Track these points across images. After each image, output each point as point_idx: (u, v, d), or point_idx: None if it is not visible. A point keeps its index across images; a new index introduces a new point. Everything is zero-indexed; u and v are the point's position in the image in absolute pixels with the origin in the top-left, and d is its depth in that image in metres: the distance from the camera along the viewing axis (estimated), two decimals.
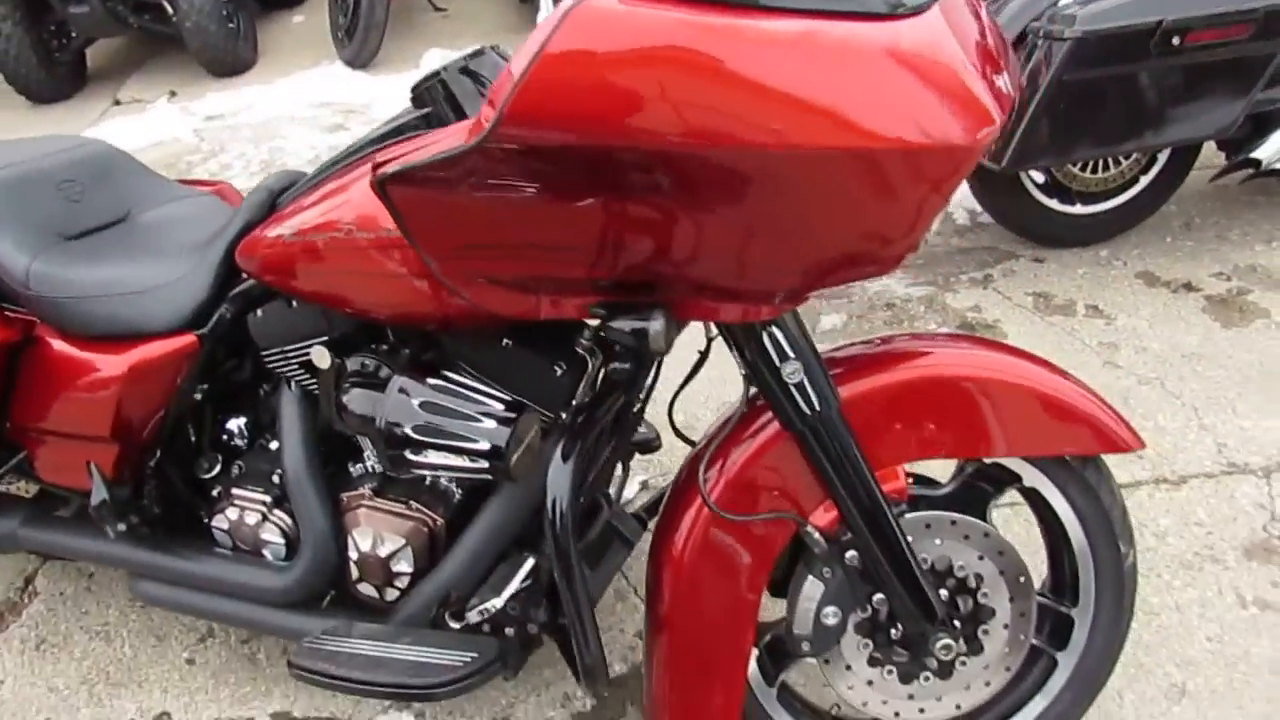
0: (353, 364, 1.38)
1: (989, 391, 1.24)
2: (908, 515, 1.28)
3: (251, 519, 1.57)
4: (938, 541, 1.29)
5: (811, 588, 1.27)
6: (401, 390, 1.25)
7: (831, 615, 1.26)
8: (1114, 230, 2.79)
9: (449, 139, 0.95)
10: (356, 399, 1.31)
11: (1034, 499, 1.35)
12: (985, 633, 1.31)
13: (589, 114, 0.85)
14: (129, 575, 1.70)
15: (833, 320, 2.63)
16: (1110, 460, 2.00)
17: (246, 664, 1.80)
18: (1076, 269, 2.73)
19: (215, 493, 1.63)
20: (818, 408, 1.16)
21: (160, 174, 1.89)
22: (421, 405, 1.24)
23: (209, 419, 1.66)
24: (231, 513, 1.59)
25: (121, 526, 1.58)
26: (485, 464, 1.23)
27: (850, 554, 1.24)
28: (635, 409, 1.54)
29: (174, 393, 1.56)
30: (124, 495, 1.58)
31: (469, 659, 1.30)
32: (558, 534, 1.11)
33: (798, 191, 0.93)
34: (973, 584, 1.30)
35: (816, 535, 1.24)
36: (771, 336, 1.15)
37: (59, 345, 1.59)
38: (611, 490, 1.71)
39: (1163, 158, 2.67)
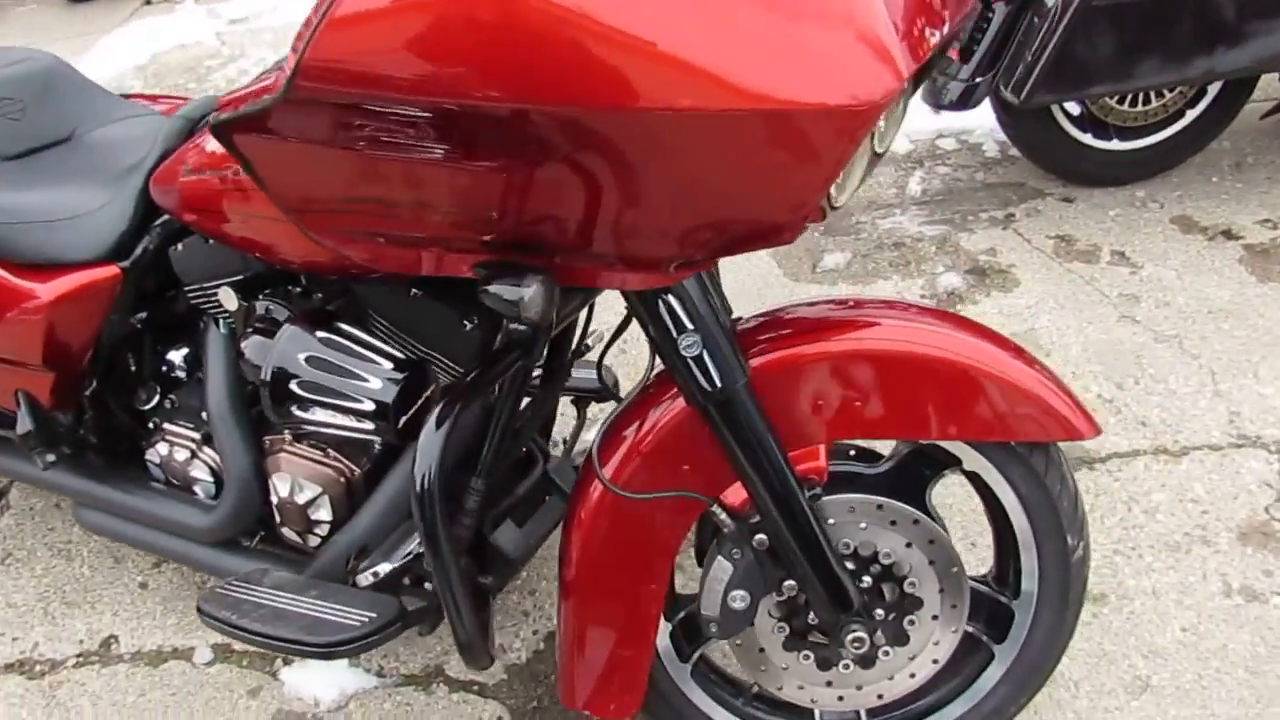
0: (259, 308, 1.31)
1: (922, 369, 1.12)
2: (829, 497, 1.18)
3: (181, 455, 1.54)
4: (862, 526, 1.19)
5: (720, 569, 1.19)
6: (289, 341, 1.18)
7: (739, 599, 1.18)
8: (1154, 169, 2.56)
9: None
10: (252, 346, 1.25)
11: (978, 482, 1.24)
12: (911, 623, 1.22)
13: (405, 66, 0.75)
14: (73, 503, 1.69)
15: (835, 259, 2.48)
16: (1110, 425, 1.89)
17: (196, 592, 1.81)
18: (1108, 210, 2.52)
19: (150, 425, 1.61)
20: (719, 384, 1.05)
21: (108, 90, 1.82)
22: (308, 359, 1.17)
23: (149, 350, 1.63)
24: (163, 447, 1.56)
25: (51, 457, 1.56)
26: (370, 425, 1.16)
27: (759, 537, 1.16)
28: (568, 358, 1.46)
29: (103, 324, 1.52)
30: (54, 425, 1.56)
31: (365, 619, 1.26)
32: (424, 509, 1.04)
33: (663, 155, 0.82)
34: (899, 572, 1.20)
35: (723, 515, 1.16)
36: (668, 306, 1.04)
37: None
38: (563, 438, 1.64)
39: (1213, 90, 2.42)
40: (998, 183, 2.71)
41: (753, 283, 2.44)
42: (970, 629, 1.29)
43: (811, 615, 1.21)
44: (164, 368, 1.62)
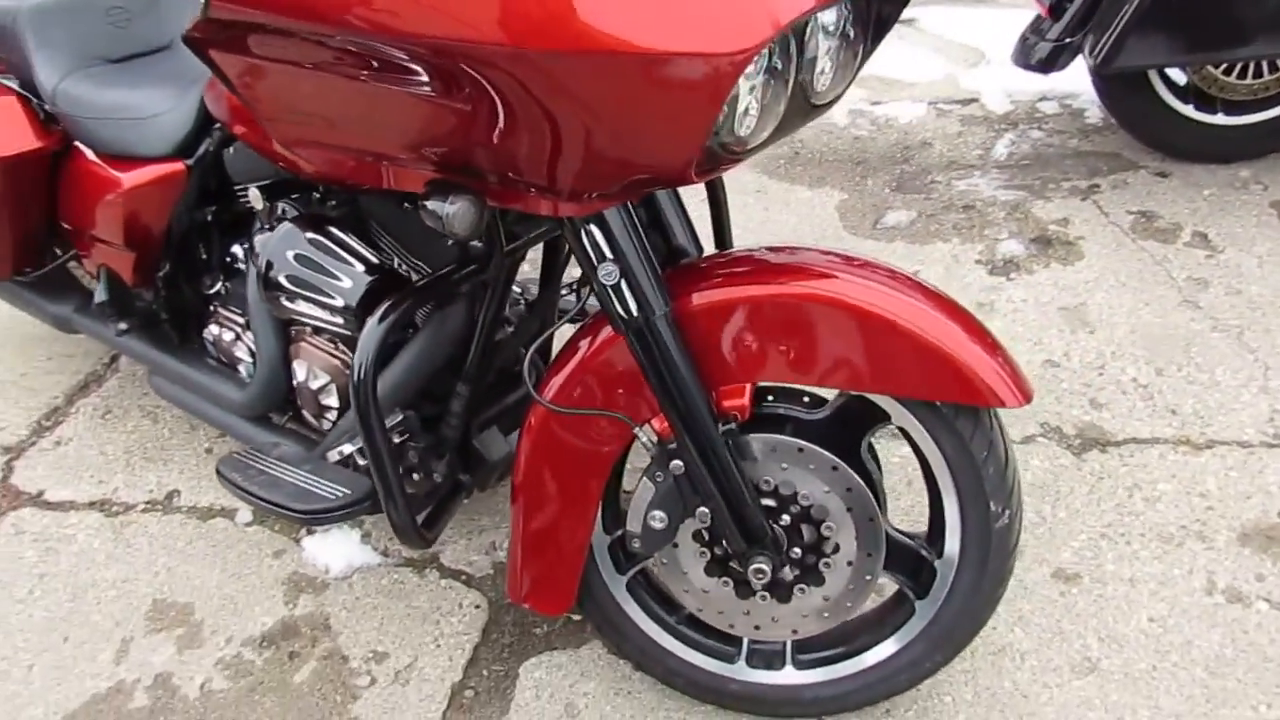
0: (278, 208, 1.47)
1: (846, 320, 1.15)
2: (754, 435, 1.24)
3: (228, 336, 1.74)
4: (783, 466, 1.24)
5: (645, 489, 1.27)
6: (282, 238, 1.33)
7: (658, 520, 1.26)
8: (1264, 147, 2.38)
9: None
10: (260, 240, 1.40)
11: (911, 439, 1.26)
12: (827, 565, 1.27)
13: None
14: (148, 371, 1.93)
15: (898, 217, 2.45)
16: (1137, 410, 1.83)
17: None
18: (1202, 189, 2.37)
19: (211, 308, 1.81)
20: (635, 313, 1.13)
21: None
22: (295, 256, 1.32)
23: (216, 241, 1.82)
24: (215, 328, 1.76)
25: (122, 325, 1.79)
26: (340, 320, 1.30)
27: (676, 462, 1.23)
28: (557, 279, 1.56)
29: (173, 213, 1.71)
30: (126, 298, 1.79)
31: (340, 494, 1.41)
32: (359, 397, 1.17)
33: (547, 92, 0.89)
34: (817, 515, 1.25)
35: (645, 439, 1.23)
36: (590, 235, 1.11)
37: (84, 159, 1.78)
38: None
39: None
40: (1091, 151, 2.58)
41: (810, 232, 2.44)
42: (896, 580, 1.33)
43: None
44: (227, 258, 1.81)
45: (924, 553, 1.30)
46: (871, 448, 1.33)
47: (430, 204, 1.08)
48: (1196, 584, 1.55)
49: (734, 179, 2.70)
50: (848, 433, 1.28)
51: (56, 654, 1.71)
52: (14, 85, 1.85)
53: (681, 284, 1.20)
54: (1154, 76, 2.28)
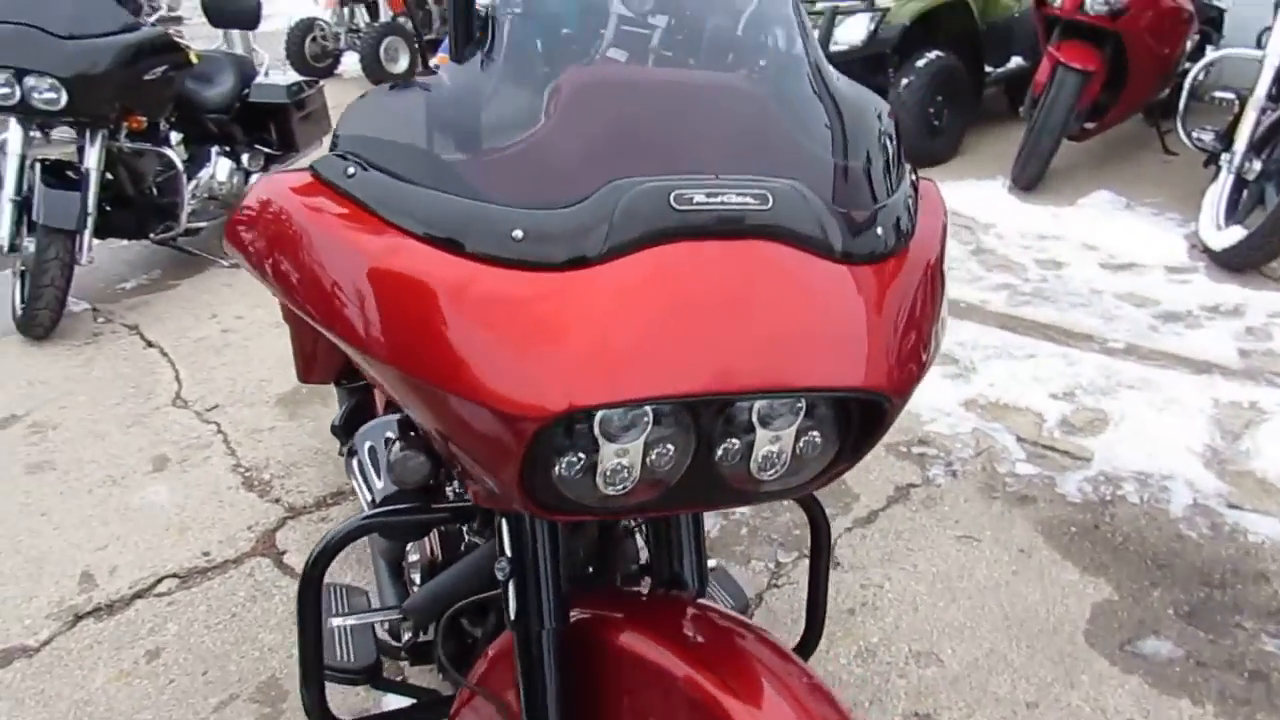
0: None
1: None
2: None
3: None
4: None
5: None
6: (376, 426, 1.56)
7: None
8: None
9: None
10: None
11: None
12: None
13: (267, 264, 1.05)
14: None
15: (1158, 647, 1.97)
16: None
17: None
18: None
19: None
20: (513, 616, 1.13)
21: None
22: (369, 446, 1.53)
23: None
24: None
25: (345, 449, 2.17)
26: (367, 508, 1.47)
27: None
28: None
29: None
30: (357, 426, 2.17)
31: (343, 658, 1.56)
32: (301, 584, 1.31)
33: (418, 404, 0.98)
34: None
35: None
36: (499, 528, 1.15)
37: None
38: None
39: None
40: None
41: (1044, 621, 2.08)
42: None
43: None
44: None
45: None
46: None
47: (395, 444, 1.22)
48: None
49: (1004, 529, 2.40)
50: None
51: (192, 681, 2.07)
52: None
53: (622, 613, 1.18)
54: None
